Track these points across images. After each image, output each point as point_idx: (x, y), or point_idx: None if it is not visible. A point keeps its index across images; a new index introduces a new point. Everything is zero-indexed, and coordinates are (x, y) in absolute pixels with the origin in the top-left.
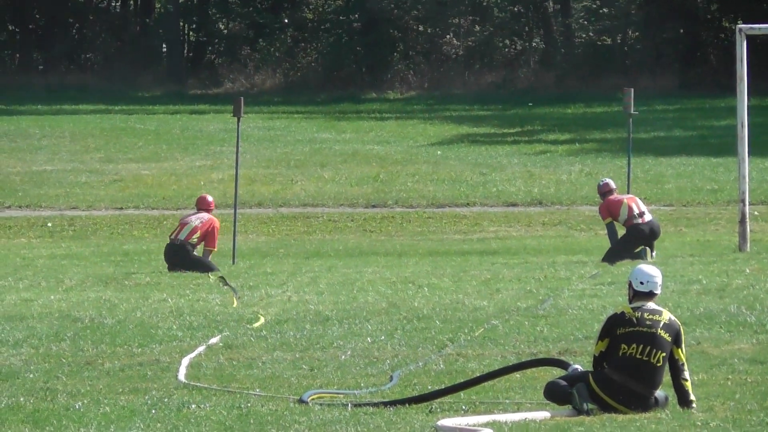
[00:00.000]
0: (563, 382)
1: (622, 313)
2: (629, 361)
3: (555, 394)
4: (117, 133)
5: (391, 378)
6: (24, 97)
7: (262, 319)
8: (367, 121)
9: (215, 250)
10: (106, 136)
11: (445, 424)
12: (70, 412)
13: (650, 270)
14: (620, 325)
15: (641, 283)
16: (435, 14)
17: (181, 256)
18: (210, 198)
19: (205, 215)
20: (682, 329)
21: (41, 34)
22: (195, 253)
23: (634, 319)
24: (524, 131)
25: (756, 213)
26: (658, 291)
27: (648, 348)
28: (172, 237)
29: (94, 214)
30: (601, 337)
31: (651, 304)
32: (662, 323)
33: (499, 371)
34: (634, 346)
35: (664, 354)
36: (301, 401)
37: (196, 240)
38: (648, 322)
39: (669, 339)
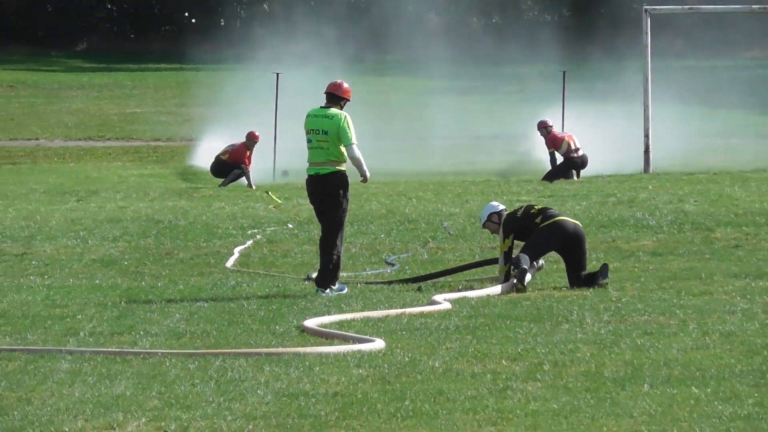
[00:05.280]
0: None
1: (513, 211)
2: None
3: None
4: (188, 85)
5: (393, 264)
6: (119, 58)
7: (279, 201)
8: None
9: (247, 168)
10: (180, 87)
11: (437, 298)
12: (154, 289)
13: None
14: (513, 214)
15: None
16: None
17: (216, 166)
18: (257, 133)
19: (237, 144)
20: None
21: (132, 11)
22: (227, 161)
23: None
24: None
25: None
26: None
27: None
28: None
29: (171, 144)
30: (506, 235)
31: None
32: None
33: (464, 266)
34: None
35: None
36: (308, 278)
37: (225, 158)
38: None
39: None
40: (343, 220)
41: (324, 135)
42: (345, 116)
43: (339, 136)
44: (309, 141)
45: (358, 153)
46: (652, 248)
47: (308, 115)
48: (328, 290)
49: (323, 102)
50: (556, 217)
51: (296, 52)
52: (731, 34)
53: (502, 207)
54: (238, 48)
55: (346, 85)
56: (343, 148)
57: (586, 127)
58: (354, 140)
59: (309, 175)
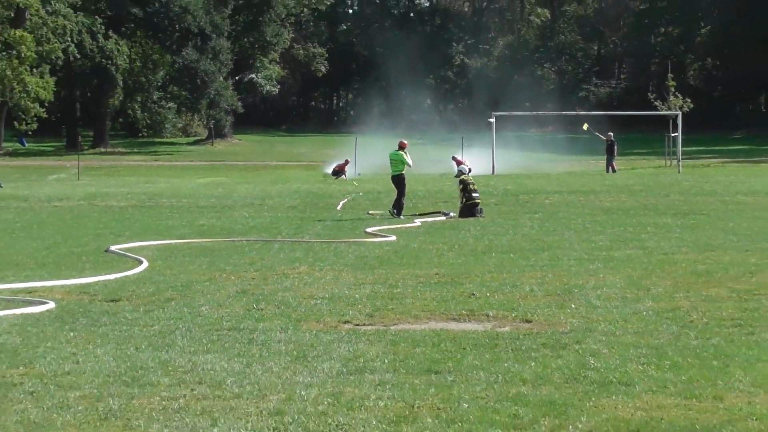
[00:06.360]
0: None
1: (463, 179)
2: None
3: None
4: (324, 141)
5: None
6: (296, 131)
7: (356, 184)
8: None
9: (345, 172)
10: (322, 143)
11: (417, 220)
12: (311, 217)
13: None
14: (463, 180)
15: (461, 174)
16: None
17: (333, 171)
18: (349, 159)
19: (341, 162)
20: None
21: (300, 113)
22: (337, 170)
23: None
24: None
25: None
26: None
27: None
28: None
29: (317, 163)
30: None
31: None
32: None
33: (433, 212)
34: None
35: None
36: (368, 213)
37: (337, 168)
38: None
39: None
40: (404, 191)
41: (396, 162)
42: (405, 153)
43: (402, 161)
44: (391, 163)
45: (411, 165)
46: (494, 203)
47: (390, 153)
48: (402, 216)
49: (396, 147)
50: (474, 199)
51: (362, 127)
52: (543, 120)
53: (465, 171)
54: (342, 126)
55: (405, 141)
56: (405, 166)
57: (472, 157)
58: (410, 163)
59: (392, 175)
